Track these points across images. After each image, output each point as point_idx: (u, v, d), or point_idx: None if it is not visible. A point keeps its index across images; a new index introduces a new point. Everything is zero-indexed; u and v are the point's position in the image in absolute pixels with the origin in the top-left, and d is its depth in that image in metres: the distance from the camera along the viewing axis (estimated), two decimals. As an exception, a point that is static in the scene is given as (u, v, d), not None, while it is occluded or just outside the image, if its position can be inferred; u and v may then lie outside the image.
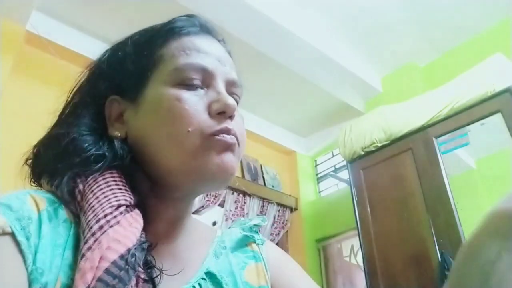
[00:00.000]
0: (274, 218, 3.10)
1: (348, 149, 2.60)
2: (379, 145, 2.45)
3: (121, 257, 0.35)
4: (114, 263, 0.35)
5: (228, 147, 0.45)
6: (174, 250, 0.49)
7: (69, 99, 0.52)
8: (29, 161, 0.48)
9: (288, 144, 3.58)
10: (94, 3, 2.32)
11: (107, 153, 0.45)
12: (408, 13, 2.67)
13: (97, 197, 0.40)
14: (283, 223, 3.16)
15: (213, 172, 0.44)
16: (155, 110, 0.46)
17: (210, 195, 2.71)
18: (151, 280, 0.39)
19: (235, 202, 2.90)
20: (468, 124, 2.13)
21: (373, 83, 3.13)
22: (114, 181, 0.43)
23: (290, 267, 0.57)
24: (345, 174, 2.94)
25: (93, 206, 0.39)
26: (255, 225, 0.58)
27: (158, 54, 0.48)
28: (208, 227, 0.60)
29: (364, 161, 2.52)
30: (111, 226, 0.37)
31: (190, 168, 0.44)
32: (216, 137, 0.44)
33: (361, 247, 2.37)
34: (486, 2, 2.56)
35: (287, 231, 3.21)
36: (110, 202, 0.40)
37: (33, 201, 0.40)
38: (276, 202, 3.15)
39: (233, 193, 2.90)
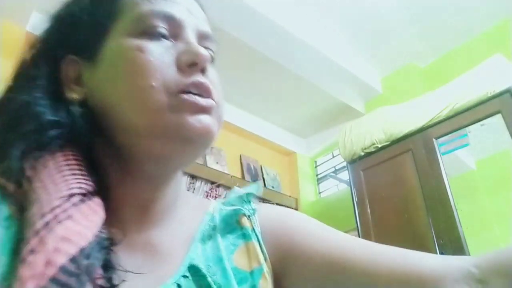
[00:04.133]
0: (274, 219, 3.10)
1: (348, 150, 2.60)
2: (379, 146, 2.45)
3: (72, 259, 0.29)
4: (62, 268, 0.28)
5: (204, 109, 0.38)
6: (150, 241, 0.42)
7: (20, 61, 0.44)
8: None
9: (288, 145, 3.58)
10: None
11: (62, 120, 0.38)
12: (408, 14, 2.67)
13: (44, 186, 0.33)
14: (283, 224, 3.16)
15: (187, 135, 0.37)
16: (114, 64, 0.39)
17: (209, 195, 2.70)
18: (111, 286, 0.32)
19: (235, 203, 2.89)
20: (468, 125, 2.13)
21: (373, 84, 3.13)
22: (68, 165, 0.36)
23: (292, 224, 0.48)
24: (345, 175, 2.94)
25: (38, 198, 0.32)
26: (246, 194, 0.49)
27: (118, 2, 0.42)
28: (202, 202, 0.52)
29: (364, 162, 2.52)
30: (59, 222, 0.30)
31: (158, 129, 0.37)
32: (185, 96, 0.37)
33: (361, 248, 2.36)
34: (486, 3, 2.56)
35: (287, 232, 3.20)
36: (60, 192, 0.32)
37: None
38: (276, 203, 3.14)
39: (233, 194, 2.89)
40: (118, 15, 0.41)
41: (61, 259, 0.28)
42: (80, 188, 0.34)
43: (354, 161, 2.57)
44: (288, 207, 3.21)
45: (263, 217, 0.49)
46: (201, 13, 0.46)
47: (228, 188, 2.75)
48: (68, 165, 0.36)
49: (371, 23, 2.74)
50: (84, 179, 0.35)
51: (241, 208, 0.48)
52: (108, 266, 0.33)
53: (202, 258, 0.43)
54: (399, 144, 2.37)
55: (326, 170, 3.59)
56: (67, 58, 0.42)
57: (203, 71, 0.40)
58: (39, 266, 0.28)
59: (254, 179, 3.17)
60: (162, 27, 0.40)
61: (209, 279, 0.41)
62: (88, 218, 0.33)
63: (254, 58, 2.63)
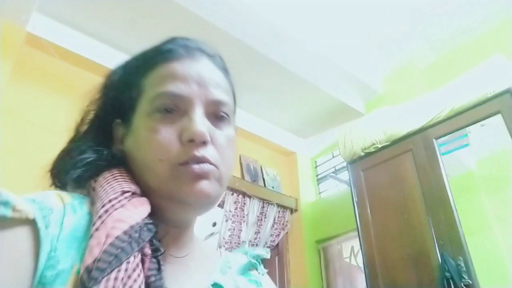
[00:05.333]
0: (274, 219, 3.10)
1: (348, 150, 2.59)
2: (379, 146, 2.45)
3: (125, 232, 0.39)
4: (118, 237, 0.38)
5: (199, 176, 0.46)
6: (181, 261, 0.51)
7: (83, 116, 0.57)
8: (53, 171, 0.53)
9: (288, 145, 3.58)
10: (94, 5, 2.32)
11: (112, 157, 0.51)
12: (408, 14, 2.67)
13: (104, 189, 0.44)
14: (283, 224, 3.16)
15: (185, 200, 0.46)
16: (136, 138, 0.50)
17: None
18: (157, 261, 0.41)
19: (235, 203, 2.89)
20: (468, 125, 2.13)
21: (373, 84, 3.13)
22: (121, 175, 0.47)
23: None
24: (345, 175, 2.94)
25: (100, 196, 0.43)
26: (259, 255, 0.62)
27: (141, 84, 0.51)
28: (212, 247, 0.64)
29: (364, 162, 2.52)
30: (115, 209, 0.41)
31: (164, 193, 0.46)
32: (182, 167, 0.46)
33: (361, 248, 2.36)
34: (486, 3, 2.57)
35: (287, 232, 3.20)
36: (115, 190, 0.44)
37: (57, 196, 0.44)
38: (276, 203, 3.14)
39: (232, 194, 2.89)
40: (141, 95, 0.51)
41: (117, 232, 0.39)
42: (130, 188, 0.45)
43: (354, 161, 2.57)
44: (288, 207, 3.21)
45: (267, 282, 0.62)
46: (214, 79, 0.52)
47: (228, 188, 2.75)
48: (121, 175, 0.47)
49: (371, 24, 2.74)
50: (133, 184, 0.47)
51: (257, 264, 0.60)
52: (152, 243, 0.42)
53: (223, 283, 0.53)
54: (399, 144, 2.37)
55: (326, 170, 3.59)
56: (115, 121, 0.54)
57: (205, 143, 0.47)
58: (101, 237, 0.38)
59: (254, 179, 3.17)
60: (171, 107, 0.48)
61: None
62: (137, 208, 0.43)
63: (254, 58, 2.63)
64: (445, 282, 1.85)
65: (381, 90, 3.17)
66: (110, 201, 0.42)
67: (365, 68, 3.09)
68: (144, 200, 0.45)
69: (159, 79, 0.50)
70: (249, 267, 0.60)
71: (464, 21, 2.69)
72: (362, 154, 2.53)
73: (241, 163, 3.16)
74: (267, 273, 0.64)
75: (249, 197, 2.98)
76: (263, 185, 3.20)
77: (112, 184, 0.45)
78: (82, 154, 0.51)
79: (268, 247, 3.07)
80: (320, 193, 3.59)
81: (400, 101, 2.60)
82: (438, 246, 1.99)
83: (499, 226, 2.21)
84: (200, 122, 0.48)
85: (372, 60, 3.08)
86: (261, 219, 3.02)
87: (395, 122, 2.42)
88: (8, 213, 0.37)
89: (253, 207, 2.98)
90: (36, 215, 0.39)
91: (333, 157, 3.55)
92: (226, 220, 2.79)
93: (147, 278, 0.39)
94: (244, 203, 2.94)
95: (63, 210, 0.42)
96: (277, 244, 3.11)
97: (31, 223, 0.39)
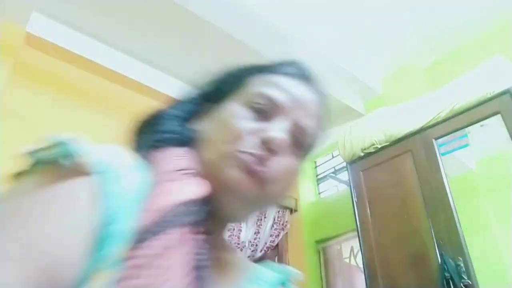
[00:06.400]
0: (274, 219, 3.10)
1: (347, 151, 2.60)
2: (379, 146, 2.45)
3: (178, 204, 0.40)
4: (169, 209, 0.39)
5: (250, 171, 0.45)
6: (217, 259, 0.51)
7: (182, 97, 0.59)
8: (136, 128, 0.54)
9: (288, 146, 3.57)
10: (94, 5, 2.33)
11: (182, 132, 0.51)
12: (408, 14, 2.67)
13: (166, 161, 0.46)
14: (282, 224, 3.16)
15: (224, 181, 0.46)
16: (216, 120, 0.51)
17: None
18: (202, 243, 0.42)
19: (235, 203, 2.89)
20: (467, 126, 2.13)
21: (373, 84, 3.13)
22: (187, 154, 0.48)
23: None
24: (344, 176, 2.94)
25: (161, 167, 0.44)
26: (291, 274, 0.61)
27: (245, 80, 0.54)
28: (242, 255, 0.64)
29: (364, 163, 2.52)
30: (171, 181, 0.42)
31: (213, 171, 0.46)
32: (242, 153, 0.46)
33: (361, 249, 2.36)
34: (486, 3, 2.57)
35: (286, 233, 3.20)
36: (175, 165, 0.45)
37: (124, 153, 0.44)
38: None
39: (232, 195, 2.89)
40: (241, 88, 0.53)
41: (171, 202, 0.40)
42: (191, 166, 0.46)
43: (354, 162, 2.57)
44: (287, 207, 3.21)
45: None
46: (312, 110, 0.53)
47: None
48: (186, 154, 0.48)
49: (371, 23, 2.74)
50: (194, 164, 0.47)
51: (286, 282, 0.59)
52: (200, 224, 0.42)
53: None
54: (399, 144, 2.37)
55: (326, 171, 3.59)
56: (205, 104, 0.55)
57: (272, 152, 0.47)
58: (157, 204, 0.39)
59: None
60: (262, 106, 0.50)
61: None
62: (191, 184, 0.44)
63: (253, 58, 2.63)
64: (445, 282, 1.85)
65: (381, 90, 3.17)
66: (166, 174, 0.43)
67: (365, 68, 3.09)
68: (202, 181, 0.45)
69: (264, 82, 0.52)
70: (278, 284, 0.58)
71: (464, 21, 2.69)
72: (362, 154, 2.53)
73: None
74: None
75: (249, 197, 2.98)
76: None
77: (175, 160, 0.46)
78: (168, 121, 0.52)
79: (268, 247, 3.07)
80: (319, 193, 3.59)
81: (400, 101, 2.61)
82: (437, 246, 1.99)
83: (499, 226, 2.22)
84: (282, 130, 0.48)
85: (372, 60, 3.08)
86: (261, 219, 3.02)
87: (394, 122, 2.42)
88: (72, 163, 0.38)
89: (252, 207, 2.98)
90: (97, 169, 0.39)
91: (333, 157, 3.55)
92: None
93: (191, 255, 0.39)
94: (244, 203, 2.94)
95: (126, 168, 0.41)
96: (277, 245, 3.11)
97: (93, 175, 0.38)
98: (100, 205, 0.37)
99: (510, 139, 1.91)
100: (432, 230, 2.04)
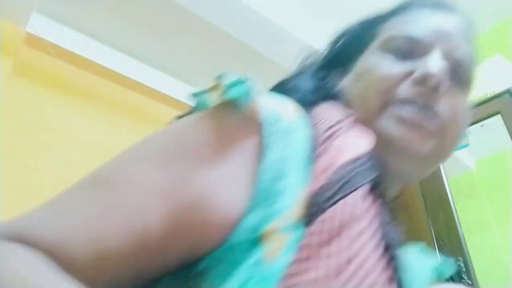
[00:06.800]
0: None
1: (348, 150, 2.59)
2: (379, 146, 2.45)
3: (349, 163, 0.36)
4: (342, 167, 0.35)
5: (413, 125, 0.41)
6: None
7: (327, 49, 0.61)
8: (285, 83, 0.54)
9: (288, 145, 3.57)
10: (95, 5, 2.33)
11: (323, 88, 0.49)
12: (407, 14, 2.67)
13: (323, 114, 0.41)
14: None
15: (386, 141, 0.42)
16: (357, 74, 0.48)
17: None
18: (383, 198, 0.38)
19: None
20: (467, 126, 2.13)
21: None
22: (337, 109, 0.44)
23: None
24: (345, 175, 2.94)
25: (319, 121, 0.40)
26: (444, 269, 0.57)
27: (377, 30, 0.51)
28: None
29: (364, 162, 2.52)
30: (338, 136, 0.38)
31: (367, 123, 0.43)
32: (399, 106, 0.42)
33: (361, 249, 2.36)
34: (486, 3, 2.56)
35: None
36: (335, 116, 0.41)
37: (293, 106, 0.40)
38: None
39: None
40: (376, 37, 0.50)
41: (339, 162, 0.35)
42: (347, 115, 0.42)
43: (354, 162, 2.57)
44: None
45: None
46: (460, 38, 0.49)
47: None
48: (337, 109, 0.43)
49: (371, 24, 2.74)
50: (350, 113, 0.43)
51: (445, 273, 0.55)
52: (378, 184, 0.38)
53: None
54: (399, 144, 2.37)
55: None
56: (338, 66, 0.53)
57: (434, 91, 0.42)
58: (326, 164, 0.35)
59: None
60: (406, 48, 0.45)
61: None
62: (359, 138, 0.39)
63: (253, 58, 2.63)
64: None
65: (381, 90, 3.17)
66: (330, 128, 0.39)
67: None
68: (366, 129, 0.41)
69: (399, 23, 0.48)
70: (436, 276, 0.53)
71: (464, 21, 2.69)
72: (362, 154, 2.53)
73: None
74: None
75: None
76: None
77: (332, 111, 0.42)
78: (313, 80, 0.50)
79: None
80: (320, 193, 3.59)
81: (400, 101, 2.60)
82: (438, 246, 1.99)
83: (499, 226, 2.22)
84: (438, 63, 0.43)
85: (372, 60, 3.08)
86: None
87: (395, 122, 2.42)
88: (247, 108, 0.35)
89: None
90: (271, 119, 0.35)
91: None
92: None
93: (379, 225, 0.35)
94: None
95: (294, 122, 0.37)
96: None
97: (264, 126, 0.35)
98: (269, 159, 0.33)
99: (510, 139, 1.91)
100: (432, 230, 2.04)
